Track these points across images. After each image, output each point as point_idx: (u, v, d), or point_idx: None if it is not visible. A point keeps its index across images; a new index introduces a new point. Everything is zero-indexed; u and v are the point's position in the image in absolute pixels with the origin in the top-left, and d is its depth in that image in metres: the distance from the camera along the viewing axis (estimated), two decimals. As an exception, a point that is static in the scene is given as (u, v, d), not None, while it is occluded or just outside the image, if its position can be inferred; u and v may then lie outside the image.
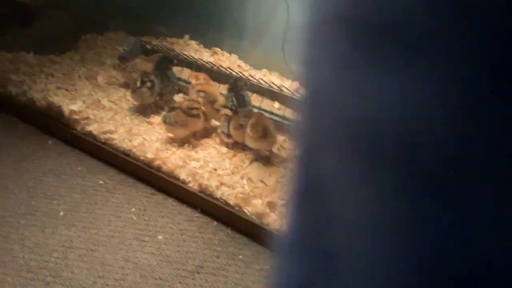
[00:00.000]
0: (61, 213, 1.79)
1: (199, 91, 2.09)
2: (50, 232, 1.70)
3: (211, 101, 2.09)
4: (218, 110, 2.08)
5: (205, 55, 2.75)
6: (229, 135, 2.00)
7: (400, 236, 0.32)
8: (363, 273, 0.35)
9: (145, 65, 2.40)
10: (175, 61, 2.37)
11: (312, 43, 0.39)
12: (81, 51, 2.80)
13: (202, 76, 2.17)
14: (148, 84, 2.17)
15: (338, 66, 0.35)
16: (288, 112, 2.19)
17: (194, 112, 2.01)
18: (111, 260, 1.59)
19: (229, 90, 2.13)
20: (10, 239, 1.67)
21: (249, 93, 2.16)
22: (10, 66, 2.52)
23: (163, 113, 2.06)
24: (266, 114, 2.12)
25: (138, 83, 2.17)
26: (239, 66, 2.69)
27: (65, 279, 1.52)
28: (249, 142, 1.92)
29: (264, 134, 1.88)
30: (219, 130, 2.05)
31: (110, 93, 2.39)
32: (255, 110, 2.15)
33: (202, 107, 2.03)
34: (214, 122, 2.14)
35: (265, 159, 1.96)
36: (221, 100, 2.11)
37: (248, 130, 1.90)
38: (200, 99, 2.06)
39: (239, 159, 1.96)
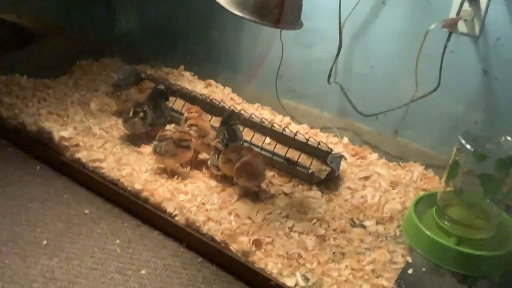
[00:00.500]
0: (44, 242, 1.76)
1: (191, 125, 2.10)
2: (32, 262, 1.67)
3: (202, 135, 2.10)
4: (208, 145, 2.08)
5: (199, 86, 2.78)
6: (218, 168, 2.00)
7: None
8: None
9: (140, 94, 2.40)
10: (168, 96, 2.38)
11: None
12: (75, 76, 2.81)
13: (194, 109, 2.18)
14: (141, 114, 2.18)
15: None
16: (278, 148, 2.20)
17: (185, 143, 2.01)
18: (92, 294, 1.56)
19: (222, 123, 2.14)
20: (-10, 267, 1.64)
21: (241, 128, 2.17)
22: (3, 88, 2.52)
23: (154, 142, 2.06)
24: (256, 149, 2.13)
25: (131, 113, 2.17)
26: (232, 99, 2.71)
27: (44, 312, 1.49)
28: (238, 181, 1.93)
29: (252, 175, 1.90)
30: (209, 162, 2.05)
31: (102, 120, 2.39)
32: (246, 145, 2.15)
33: (193, 139, 2.03)
34: (205, 156, 2.14)
35: (254, 195, 1.96)
36: (212, 134, 2.11)
37: (234, 172, 1.91)
38: (192, 132, 2.06)
39: (227, 194, 1.95)
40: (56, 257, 1.70)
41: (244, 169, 1.89)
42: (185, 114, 2.17)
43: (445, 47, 1.99)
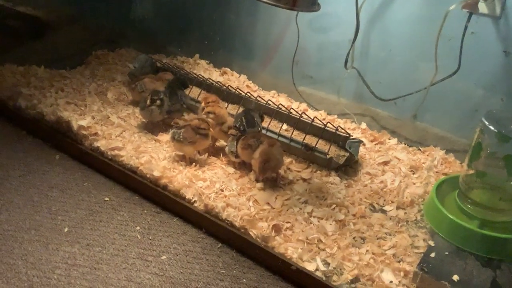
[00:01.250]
0: (66, 229, 1.78)
1: (208, 112, 2.09)
2: (54, 249, 1.69)
3: (219, 123, 2.09)
4: (226, 132, 2.07)
5: (214, 75, 2.77)
6: (236, 155, 2.00)
7: None
8: None
9: (154, 84, 2.40)
10: (186, 83, 2.39)
11: None
12: (91, 66, 2.83)
13: (211, 98, 2.17)
14: (158, 102, 2.18)
15: None
16: (295, 134, 2.19)
17: (203, 131, 2.01)
18: (114, 280, 1.57)
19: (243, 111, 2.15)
20: (13, 254, 1.66)
21: (258, 114, 2.16)
22: (21, 79, 2.55)
23: (172, 130, 2.06)
24: (274, 136, 2.13)
25: (148, 101, 2.18)
26: (248, 86, 2.70)
27: (67, 297, 1.51)
28: (255, 170, 1.92)
29: (270, 168, 1.89)
30: (227, 149, 2.04)
31: (119, 109, 2.40)
32: (264, 132, 2.15)
33: (211, 128, 2.03)
34: (222, 143, 2.14)
35: (272, 181, 1.95)
36: (229, 122, 2.11)
37: (253, 162, 1.91)
38: (209, 120, 2.06)
39: (246, 180, 1.95)
40: (77, 244, 1.71)
41: (259, 164, 1.88)
42: (202, 104, 2.16)
43: (465, 28, 1.95)
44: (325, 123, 2.14)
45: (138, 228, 1.79)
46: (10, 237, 1.73)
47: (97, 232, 1.77)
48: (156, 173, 1.92)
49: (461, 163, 2.10)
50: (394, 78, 2.26)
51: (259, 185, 1.91)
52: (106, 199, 1.93)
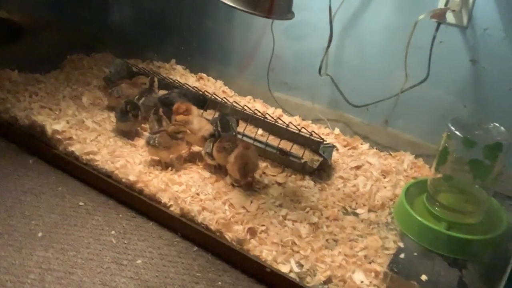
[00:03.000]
0: (39, 234, 1.76)
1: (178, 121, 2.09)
2: (28, 253, 1.68)
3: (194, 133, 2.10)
4: (201, 138, 2.08)
5: (191, 80, 2.79)
6: (212, 157, 2.01)
7: None
8: None
9: (131, 89, 2.40)
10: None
11: None
12: (66, 70, 2.81)
13: (183, 107, 2.15)
14: (133, 112, 2.19)
15: None
16: (271, 139, 2.22)
17: (179, 135, 2.03)
18: (89, 284, 1.57)
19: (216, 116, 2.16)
20: (-15, 259, 1.64)
21: (234, 119, 2.19)
22: (-6, 83, 2.51)
23: (147, 135, 2.07)
24: (249, 140, 2.16)
25: (131, 115, 2.18)
26: (224, 92, 2.73)
27: (41, 301, 1.50)
28: (232, 174, 1.95)
29: (246, 171, 1.92)
30: (203, 152, 2.06)
31: (94, 114, 2.39)
32: (240, 136, 2.17)
33: (188, 131, 2.04)
34: (198, 148, 2.15)
35: (247, 185, 1.98)
36: (210, 129, 2.11)
37: (229, 166, 1.94)
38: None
39: (221, 184, 1.97)
40: (51, 248, 1.71)
41: (234, 167, 1.91)
42: (174, 116, 2.15)
43: (434, 37, 2.02)
44: (299, 128, 2.18)
45: (113, 232, 1.79)
46: (-18, 242, 1.71)
47: (71, 236, 1.76)
48: (132, 178, 1.92)
49: (430, 168, 2.17)
50: (367, 85, 2.32)
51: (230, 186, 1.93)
52: (81, 203, 1.92)
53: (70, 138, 2.12)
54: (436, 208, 1.72)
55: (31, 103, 2.35)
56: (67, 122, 2.24)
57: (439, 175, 1.72)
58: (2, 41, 2.79)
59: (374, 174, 2.10)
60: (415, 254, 1.62)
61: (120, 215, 1.88)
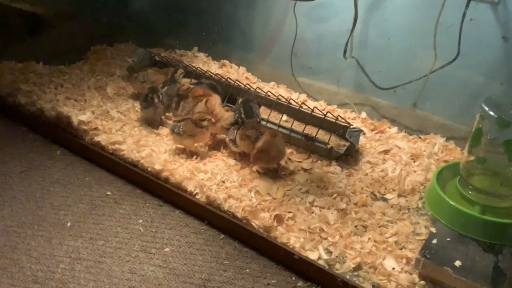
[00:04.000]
0: (68, 224, 1.78)
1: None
2: (57, 243, 1.70)
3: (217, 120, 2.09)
4: (227, 129, 2.07)
5: (213, 67, 2.77)
6: (235, 144, 2.00)
7: None
8: None
9: (157, 75, 2.40)
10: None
11: None
12: (90, 61, 2.83)
13: (198, 91, 2.14)
14: (156, 100, 2.18)
15: None
16: (295, 125, 2.19)
17: (204, 123, 2.01)
18: (118, 272, 1.58)
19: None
20: (17, 249, 1.67)
21: (258, 105, 2.16)
22: (20, 75, 2.55)
23: (172, 123, 2.06)
24: (274, 127, 2.12)
25: (156, 99, 2.18)
26: (247, 78, 2.70)
27: (72, 290, 1.52)
28: (255, 164, 1.93)
29: (269, 159, 1.90)
30: (227, 139, 2.04)
31: (119, 104, 2.40)
32: (264, 123, 2.15)
33: (212, 119, 2.03)
34: (223, 136, 2.14)
35: (273, 172, 1.95)
36: (230, 118, 2.09)
37: (252, 157, 1.92)
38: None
39: (247, 172, 1.95)
40: (80, 238, 1.72)
41: (261, 155, 1.89)
42: (190, 98, 2.15)
43: (464, 14, 1.94)
44: (325, 113, 2.14)
45: (140, 221, 1.80)
46: (14, 232, 1.74)
47: (100, 226, 1.78)
48: (157, 166, 1.92)
49: (461, 150, 2.10)
50: (394, 67, 2.26)
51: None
52: (108, 193, 1.94)
53: (96, 129, 2.13)
54: (470, 192, 1.66)
55: (57, 95, 2.37)
56: (93, 112, 2.25)
57: (472, 158, 1.66)
58: (26, 34, 2.82)
59: (403, 158, 2.05)
60: (448, 239, 1.57)
61: (147, 204, 1.88)
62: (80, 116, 2.17)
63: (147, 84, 2.30)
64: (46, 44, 2.82)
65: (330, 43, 2.40)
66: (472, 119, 1.69)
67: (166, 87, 2.32)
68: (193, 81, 2.44)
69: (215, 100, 2.15)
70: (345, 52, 2.30)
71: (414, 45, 2.17)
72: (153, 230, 1.76)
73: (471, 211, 1.59)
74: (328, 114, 2.14)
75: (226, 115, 2.10)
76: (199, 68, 2.52)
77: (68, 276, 1.57)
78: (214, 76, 2.46)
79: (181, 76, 2.42)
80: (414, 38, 2.16)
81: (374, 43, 2.29)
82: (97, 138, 2.08)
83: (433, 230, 1.62)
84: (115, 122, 2.23)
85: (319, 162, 2.05)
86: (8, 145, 2.20)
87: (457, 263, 1.46)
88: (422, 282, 1.48)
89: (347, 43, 2.28)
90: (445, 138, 2.17)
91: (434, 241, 1.55)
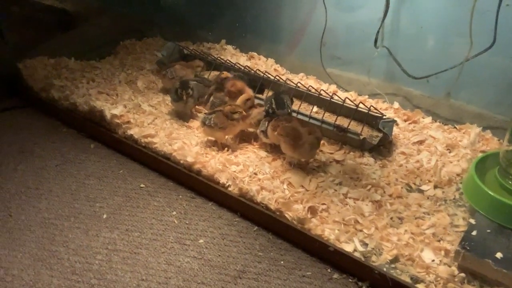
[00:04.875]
0: (104, 216, 1.81)
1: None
2: (94, 235, 1.73)
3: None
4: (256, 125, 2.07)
5: (241, 60, 2.76)
6: (266, 135, 1.99)
7: None
8: None
9: (184, 70, 2.41)
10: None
11: None
12: (120, 56, 2.86)
13: (238, 85, 2.14)
14: (190, 92, 2.19)
15: None
16: (326, 116, 2.16)
17: (236, 116, 2.01)
18: (154, 263, 1.60)
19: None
20: (55, 241, 1.70)
21: (288, 97, 2.14)
22: (52, 71, 2.59)
23: (203, 115, 2.06)
24: (305, 118, 2.11)
25: (184, 96, 2.18)
26: (276, 70, 2.68)
27: (110, 281, 1.54)
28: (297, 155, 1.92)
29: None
30: (258, 130, 2.04)
31: (149, 97, 2.42)
32: (294, 114, 2.13)
33: (244, 112, 2.02)
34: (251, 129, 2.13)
35: (305, 164, 1.94)
36: (257, 115, 2.09)
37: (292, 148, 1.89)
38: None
39: (278, 163, 1.94)
40: (116, 229, 1.75)
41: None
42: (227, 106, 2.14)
43: (500, 0, 1.88)
44: (357, 104, 2.11)
45: (174, 213, 1.81)
46: (51, 224, 1.77)
47: (135, 217, 1.80)
48: (190, 159, 1.93)
49: (499, 140, 2.05)
50: (426, 56, 2.21)
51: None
52: (142, 185, 1.96)
53: (128, 122, 2.16)
54: (510, 182, 1.61)
55: (89, 89, 2.40)
56: (125, 106, 2.28)
57: (512, 147, 1.62)
58: (57, 30, 2.86)
59: (438, 148, 2.01)
60: (488, 231, 1.53)
61: (180, 196, 1.90)
62: (112, 110, 2.20)
63: (175, 81, 2.31)
64: (77, 40, 2.87)
65: (360, 32, 2.36)
66: (509, 108, 1.65)
67: (196, 81, 2.33)
68: (215, 72, 2.44)
69: (251, 96, 2.14)
70: (376, 41, 2.26)
71: (448, 33, 2.12)
72: (187, 222, 1.77)
73: (512, 202, 1.54)
74: (360, 105, 2.10)
75: (255, 112, 2.08)
76: (228, 61, 2.52)
77: (106, 267, 1.59)
78: (243, 68, 2.45)
79: (199, 70, 2.43)
80: (448, 25, 2.11)
81: (406, 32, 2.24)
82: (129, 132, 2.11)
83: (472, 221, 1.58)
84: (147, 115, 2.25)
85: (351, 153, 2.03)
86: (43, 139, 2.24)
87: (498, 255, 1.42)
88: (462, 274, 1.45)
89: (378, 32, 2.24)
90: (481, 128, 2.12)
91: (474, 232, 1.52)
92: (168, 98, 2.34)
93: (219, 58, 2.57)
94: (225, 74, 2.26)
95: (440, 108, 2.24)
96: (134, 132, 2.10)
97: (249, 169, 1.90)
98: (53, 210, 1.84)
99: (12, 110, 2.46)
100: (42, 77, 2.51)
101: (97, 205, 1.86)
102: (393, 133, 2.05)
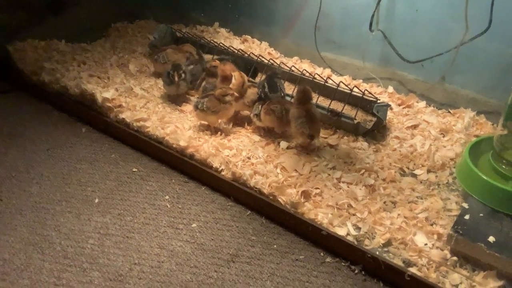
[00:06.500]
0: (96, 200, 1.79)
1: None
2: (86, 219, 1.71)
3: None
4: (249, 106, 2.05)
5: (235, 43, 2.73)
6: (259, 119, 1.97)
7: None
8: None
9: (176, 54, 2.38)
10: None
11: None
12: (111, 39, 2.81)
13: (227, 67, 2.11)
14: (183, 76, 2.17)
15: None
16: (320, 100, 2.15)
17: (228, 98, 1.99)
18: (147, 248, 1.59)
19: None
20: (46, 225, 1.68)
21: (282, 81, 2.12)
22: (43, 54, 2.55)
23: (195, 99, 2.04)
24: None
25: (176, 78, 2.16)
26: (269, 53, 2.66)
27: (102, 265, 1.53)
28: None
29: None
30: (251, 114, 2.02)
31: (141, 81, 2.39)
32: (288, 98, 2.11)
33: (236, 94, 2.00)
34: (246, 112, 2.11)
35: (298, 148, 1.93)
36: (252, 95, 2.07)
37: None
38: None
39: (271, 148, 1.93)
40: (109, 214, 1.73)
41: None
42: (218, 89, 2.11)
43: (497, -16, 1.86)
44: (351, 88, 2.10)
45: (167, 197, 1.80)
46: (42, 209, 1.76)
47: (127, 202, 1.78)
48: (182, 143, 1.91)
49: (493, 124, 2.04)
50: (421, 40, 2.19)
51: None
52: (134, 169, 1.94)
53: (120, 106, 2.13)
54: (503, 166, 1.61)
55: (80, 72, 2.37)
56: (116, 90, 2.25)
57: (507, 131, 1.61)
58: (47, 12, 2.81)
59: (432, 133, 2.00)
60: (481, 215, 1.53)
61: (173, 180, 1.88)
62: (104, 93, 2.17)
63: (167, 65, 2.28)
64: (68, 22, 2.81)
65: (355, 16, 2.34)
66: (504, 92, 1.63)
67: (192, 66, 2.30)
68: (216, 57, 2.41)
69: (243, 77, 2.12)
70: (371, 24, 2.24)
71: (443, 17, 2.10)
72: (179, 206, 1.76)
73: (505, 186, 1.54)
74: (354, 89, 2.09)
75: (249, 92, 2.07)
76: (221, 44, 2.49)
77: (98, 251, 1.58)
78: (237, 51, 2.42)
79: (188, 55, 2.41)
80: (443, 9, 2.09)
81: (401, 15, 2.22)
82: (121, 115, 2.08)
83: (465, 205, 1.58)
84: (139, 99, 2.22)
85: (345, 137, 2.02)
86: (34, 123, 2.22)
87: (491, 239, 1.42)
88: (455, 258, 1.45)
89: (373, 15, 2.22)
90: (475, 112, 2.11)
91: (467, 216, 1.52)
92: (160, 82, 2.31)
93: (212, 41, 2.53)
94: (216, 62, 2.23)
95: (435, 92, 2.23)
96: (126, 115, 2.07)
97: (243, 153, 1.88)
98: (44, 194, 1.82)
99: (1, 93, 2.42)
100: (33, 60, 2.47)
101: (89, 189, 1.84)
102: (387, 118, 2.04)
